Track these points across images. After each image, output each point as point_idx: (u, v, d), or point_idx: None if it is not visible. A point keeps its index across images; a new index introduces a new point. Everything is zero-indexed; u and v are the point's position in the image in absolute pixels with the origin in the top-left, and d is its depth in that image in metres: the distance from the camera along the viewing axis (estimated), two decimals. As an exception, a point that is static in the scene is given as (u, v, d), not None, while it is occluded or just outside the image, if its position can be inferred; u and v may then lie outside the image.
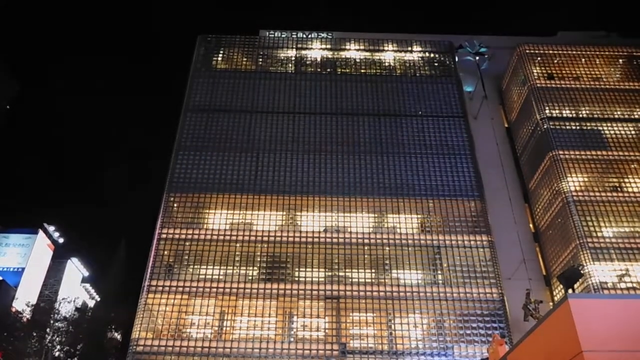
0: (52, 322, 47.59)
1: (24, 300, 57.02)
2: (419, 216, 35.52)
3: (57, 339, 47.22)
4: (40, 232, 73.79)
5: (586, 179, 35.90)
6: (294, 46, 45.34)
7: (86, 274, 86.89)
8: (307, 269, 32.78)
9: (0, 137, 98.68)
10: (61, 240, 78.96)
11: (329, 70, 43.85)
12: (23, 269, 68.93)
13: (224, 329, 31.69)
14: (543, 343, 12.57)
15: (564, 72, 42.02)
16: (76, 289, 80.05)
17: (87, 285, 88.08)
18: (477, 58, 44.86)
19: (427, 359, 29.12)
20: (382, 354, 29.58)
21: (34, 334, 46.75)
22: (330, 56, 44.98)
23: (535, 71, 41.81)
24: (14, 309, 57.53)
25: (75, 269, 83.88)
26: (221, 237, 33.57)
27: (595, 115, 39.18)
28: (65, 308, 50.46)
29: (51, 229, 76.93)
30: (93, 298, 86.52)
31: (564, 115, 39.20)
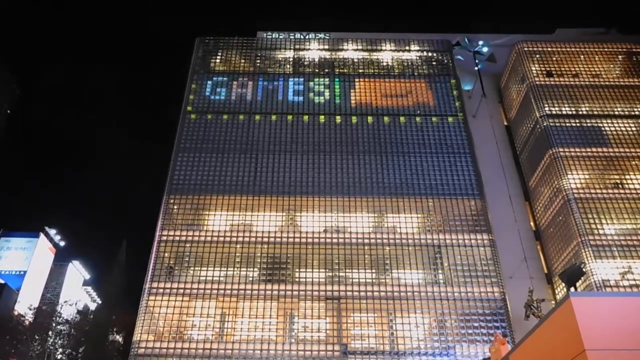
0: (54, 325, 47.60)
1: (26, 303, 57.02)
2: (419, 215, 35.41)
3: (59, 341, 47.23)
4: (42, 236, 73.88)
5: (587, 176, 35.76)
6: (292, 47, 45.26)
7: (87, 276, 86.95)
8: (308, 270, 32.70)
9: (1, 140, 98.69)
10: (62, 244, 79.03)
11: (327, 70, 43.77)
12: (25, 272, 69.01)
13: (225, 330, 31.63)
14: (545, 342, 12.48)
15: (562, 69, 41.89)
16: (78, 292, 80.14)
17: (89, 288, 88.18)
18: (476, 60, 44.74)
19: (428, 359, 29.01)
20: (383, 354, 29.46)
21: (37, 337, 46.76)
22: (328, 56, 44.88)
23: (534, 69, 41.69)
24: (16, 312, 57.57)
25: (76, 272, 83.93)
26: (221, 239, 33.51)
27: (595, 112, 39.01)
28: (67, 311, 50.46)
29: (52, 232, 76.98)
30: (94, 301, 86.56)
31: (564, 112, 39.06)
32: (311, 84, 42.17)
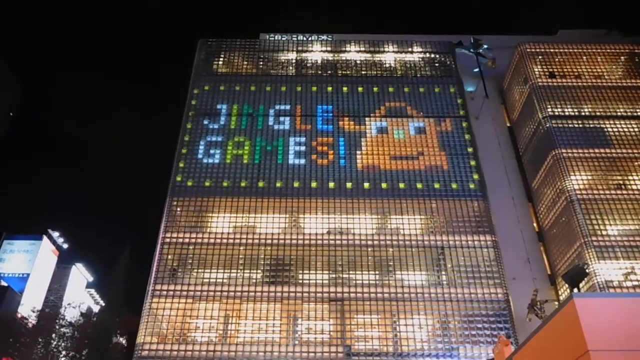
0: (57, 327, 47.75)
1: (29, 306, 57.24)
2: (422, 217, 35.41)
3: (63, 344, 47.38)
4: (45, 238, 74.09)
5: (590, 177, 35.73)
6: (295, 49, 45.35)
7: (91, 279, 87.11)
8: (311, 272, 32.72)
9: (4, 143, 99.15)
10: (65, 246, 79.23)
11: (329, 72, 43.84)
12: (28, 275, 69.22)
13: (229, 332, 31.67)
14: (549, 343, 12.50)
15: (565, 70, 41.86)
16: (81, 294, 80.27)
17: (92, 291, 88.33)
18: (478, 60, 44.70)
19: (432, 360, 29.02)
20: (387, 355, 29.49)
21: (40, 340, 46.93)
22: (330, 58, 44.96)
23: (536, 70, 41.69)
24: (19, 315, 57.74)
25: (79, 275, 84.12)
26: (224, 241, 33.56)
27: (598, 113, 38.99)
28: (70, 313, 50.64)
29: (55, 234, 77.19)
30: (98, 303, 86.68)
31: (566, 113, 39.03)
32: (314, 85, 42.12)
